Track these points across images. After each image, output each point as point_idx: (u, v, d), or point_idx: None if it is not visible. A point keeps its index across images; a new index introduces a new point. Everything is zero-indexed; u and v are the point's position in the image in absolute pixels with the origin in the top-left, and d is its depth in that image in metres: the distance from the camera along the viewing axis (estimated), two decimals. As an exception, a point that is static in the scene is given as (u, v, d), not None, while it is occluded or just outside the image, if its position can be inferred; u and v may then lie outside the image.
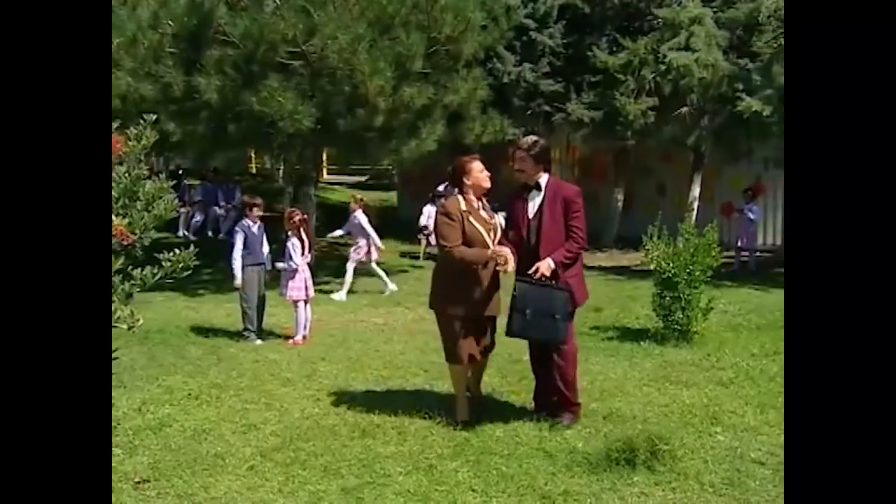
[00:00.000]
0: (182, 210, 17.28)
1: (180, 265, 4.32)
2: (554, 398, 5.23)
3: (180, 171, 19.43)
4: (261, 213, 8.42)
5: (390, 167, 24.95)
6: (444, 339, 5.19)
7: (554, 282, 4.85)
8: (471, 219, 4.98)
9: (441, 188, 15.82)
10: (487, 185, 5.11)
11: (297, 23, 10.01)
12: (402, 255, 16.25)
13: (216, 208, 17.19)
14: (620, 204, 16.95)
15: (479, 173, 5.09)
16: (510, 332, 4.94)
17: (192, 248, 4.32)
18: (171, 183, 4.86)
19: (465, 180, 5.07)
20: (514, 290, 4.88)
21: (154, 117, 4.44)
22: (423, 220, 14.95)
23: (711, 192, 16.12)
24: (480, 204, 5.13)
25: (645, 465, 4.42)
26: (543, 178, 5.03)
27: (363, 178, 31.51)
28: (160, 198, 4.37)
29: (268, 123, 10.44)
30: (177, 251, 4.31)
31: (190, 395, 6.15)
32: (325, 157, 26.91)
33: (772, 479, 4.34)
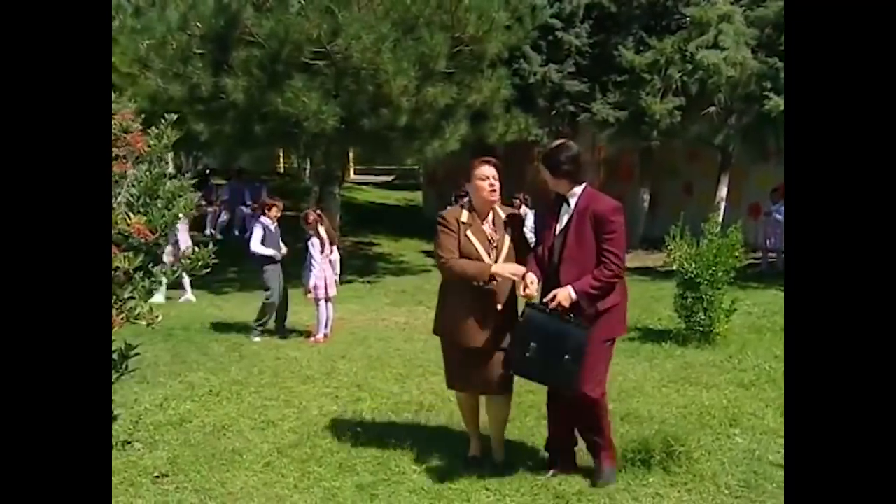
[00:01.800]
0: (209, 209, 17.50)
1: (199, 263, 4.37)
2: (573, 447, 4.51)
3: (207, 171, 19.63)
4: (279, 214, 8.51)
5: (417, 167, 25.04)
6: (446, 363, 4.52)
7: (572, 316, 3.94)
8: (468, 232, 4.21)
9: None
10: (490, 197, 4.22)
11: (322, 23, 10.10)
12: (427, 254, 16.31)
13: (243, 208, 17.32)
14: (646, 204, 16.86)
15: (479, 181, 4.22)
16: (513, 369, 4.19)
17: (211, 245, 4.37)
18: (193, 180, 4.91)
19: (466, 187, 4.37)
20: (520, 315, 4.10)
21: (175, 117, 4.48)
22: None
23: (739, 192, 15.95)
24: (493, 216, 4.30)
25: (660, 466, 4.40)
26: (574, 192, 4.13)
27: (390, 178, 31.65)
28: (180, 196, 4.43)
29: (293, 123, 10.53)
30: (196, 249, 4.36)
31: (211, 391, 6.23)
32: (351, 157, 27.03)
33: (789, 481, 4.30)
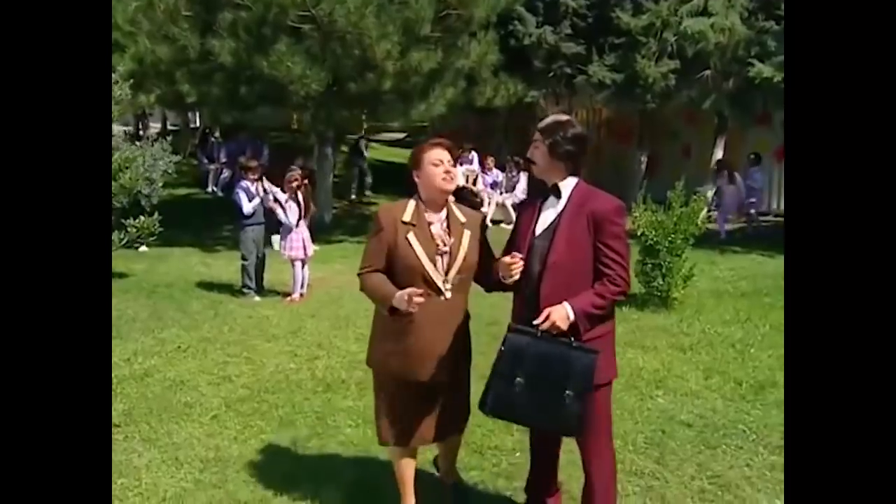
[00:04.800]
0: (211, 167, 17.84)
1: (146, 230, 4.66)
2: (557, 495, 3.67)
3: (207, 130, 19.89)
4: (258, 175, 8.77)
5: (426, 125, 25.17)
6: (377, 407, 3.55)
7: (572, 339, 3.05)
8: (409, 235, 3.27)
9: (468, 154, 16.15)
10: (444, 186, 3.32)
11: (306, -14, 10.24)
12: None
13: (244, 166, 17.61)
14: (644, 166, 16.96)
15: (431, 166, 3.31)
16: (484, 406, 3.10)
17: (156, 215, 4.66)
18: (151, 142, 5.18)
19: (414, 176, 3.38)
20: (503, 342, 3.11)
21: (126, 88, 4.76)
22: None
23: (737, 154, 16.01)
24: (448, 214, 3.39)
25: (576, 425, 4.69)
26: (568, 183, 3.25)
27: (402, 136, 31.81)
28: (128, 167, 4.71)
29: (280, 86, 10.74)
30: (142, 218, 4.65)
31: (179, 347, 6.59)
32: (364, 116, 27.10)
33: (693, 439, 4.59)
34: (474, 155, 16.39)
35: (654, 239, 7.75)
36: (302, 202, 8.59)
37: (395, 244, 3.28)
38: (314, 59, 10.69)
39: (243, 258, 8.68)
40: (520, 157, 14.71)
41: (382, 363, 3.42)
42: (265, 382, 5.69)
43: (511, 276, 3.13)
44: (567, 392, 3.00)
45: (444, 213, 3.38)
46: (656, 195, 8.50)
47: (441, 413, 3.42)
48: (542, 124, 3.28)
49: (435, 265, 3.28)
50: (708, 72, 14.24)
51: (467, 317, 3.47)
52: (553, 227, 3.20)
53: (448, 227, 3.36)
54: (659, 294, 7.85)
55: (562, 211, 3.21)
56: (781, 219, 14.48)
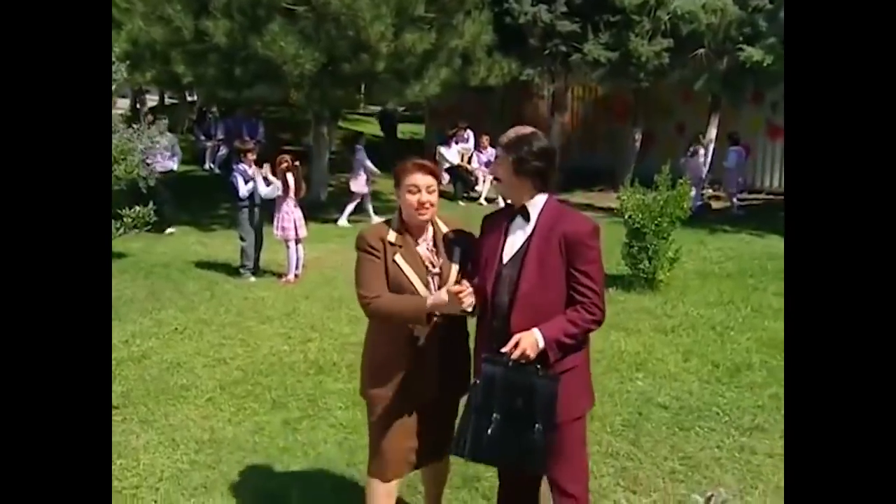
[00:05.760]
0: (208, 144, 17.94)
1: (141, 220, 4.81)
2: None
3: (203, 107, 19.95)
4: (254, 157, 8.89)
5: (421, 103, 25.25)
6: (370, 439, 3.28)
7: (538, 367, 2.83)
8: (397, 257, 3.08)
9: (464, 133, 16.31)
10: (417, 217, 3.08)
11: (299, -33, 10.30)
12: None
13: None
14: (638, 143, 17.06)
15: (407, 194, 3.07)
16: (460, 450, 2.87)
17: (150, 204, 4.80)
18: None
19: (396, 194, 3.17)
20: (475, 376, 2.97)
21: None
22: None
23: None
24: (433, 231, 3.20)
25: (557, 407, 4.88)
26: (537, 202, 2.99)
27: (400, 110, 31.78)
28: (124, 159, 4.85)
29: (274, 66, 10.83)
30: (137, 208, 4.79)
31: (176, 329, 6.77)
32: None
33: (668, 421, 4.79)
34: (470, 133, 16.52)
35: (641, 222, 7.91)
36: (292, 183, 8.71)
37: (385, 266, 3.07)
38: (308, 39, 10.76)
39: (241, 239, 8.84)
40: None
41: (380, 391, 3.15)
42: (259, 365, 5.88)
43: (463, 306, 2.88)
44: (536, 425, 2.80)
45: (429, 231, 3.18)
46: (651, 172, 8.62)
47: (437, 434, 3.17)
48: (504, 139, 2.98)
49: (427, 286, 3.08)
50: (701, 51, 14.32)
51: (466, 336, 3.27)
52: (522, 254, 2.95)
53: (434, 245, 3.18)
54: (645, 276, 8.02)
55: (531, 234, 2.96)
56: (773, 197, 14.67)
